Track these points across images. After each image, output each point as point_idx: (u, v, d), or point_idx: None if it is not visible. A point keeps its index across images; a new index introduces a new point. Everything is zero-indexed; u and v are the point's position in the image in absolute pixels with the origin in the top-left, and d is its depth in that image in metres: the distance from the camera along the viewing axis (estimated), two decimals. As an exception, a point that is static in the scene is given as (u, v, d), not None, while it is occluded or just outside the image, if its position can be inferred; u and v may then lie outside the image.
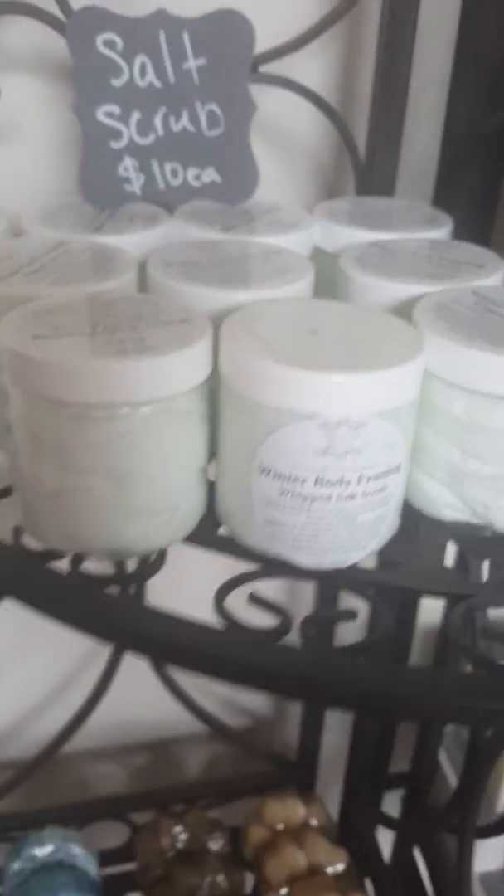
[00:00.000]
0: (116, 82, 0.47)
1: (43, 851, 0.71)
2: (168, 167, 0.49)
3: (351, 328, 0.36)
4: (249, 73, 0.48)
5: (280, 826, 0.76)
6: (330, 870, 0.73)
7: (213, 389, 0.35)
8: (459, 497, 0.37)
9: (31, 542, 0.37)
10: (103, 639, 0.31)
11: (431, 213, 0.50)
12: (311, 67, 0.51)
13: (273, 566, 0.35)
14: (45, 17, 0.46)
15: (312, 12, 0.49)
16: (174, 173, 0.49)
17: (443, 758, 0.79)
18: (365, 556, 0.36)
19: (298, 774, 0.82)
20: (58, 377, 0.31)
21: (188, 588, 0.70)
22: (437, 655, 0.77)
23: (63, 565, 0.36)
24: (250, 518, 0.35)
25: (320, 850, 0.74)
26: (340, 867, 0.73)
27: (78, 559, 0.36)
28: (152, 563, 0.36)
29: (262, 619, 0.34)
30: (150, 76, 0.47)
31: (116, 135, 0.48)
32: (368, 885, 0.77)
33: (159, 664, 0.73)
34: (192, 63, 0.47)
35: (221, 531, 0.38)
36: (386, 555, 0.36)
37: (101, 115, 0.47)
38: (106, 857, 0.75)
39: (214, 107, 0.48)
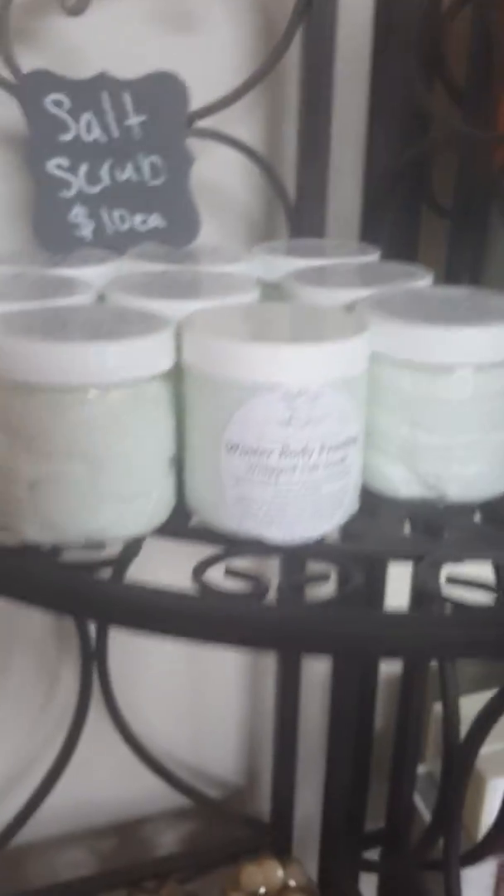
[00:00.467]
0: (65, 137, 0.51)
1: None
2: (116, 214, 0.53)
3: (300, 317, 0.39)
4: (186, 127, 0.52)
5: (260, 890, 0.74)
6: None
7: (177, 385, 0.37)
8: (413, 471, 0.39)
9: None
10: (90, 614, 0.32)
11: (360, 246, 0.54)
12: (242, 123, 0.57)
13: (245, 544, 0.37)
14: (-4, 80, 0.50)
15: (241, 73, 0.54)
16: (122, 219, 0.53)
17: (418, 800, 0.78)
18: (331, 529, 0.37)
19: (273, 838, 0.80)
20: (29, 360, 0.33)
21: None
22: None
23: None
24: (221, 499, 0.37)
25: (303, 909, 0.71)
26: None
27: (55, 552, 0.37)
28: (127, 549, 0.37)
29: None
30: (96, 132, 0.51)
31: (66, 185, 0.51)
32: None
33: (126, 730, 0.72)
34: (134, 119, 0.52)
35: (192, 523, 0.39)
36: (349, 529, 0.38)
37: (51, 167, 0.51)
38: None
39: (156, 158, 0.53)
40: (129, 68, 0.50)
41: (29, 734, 0.75)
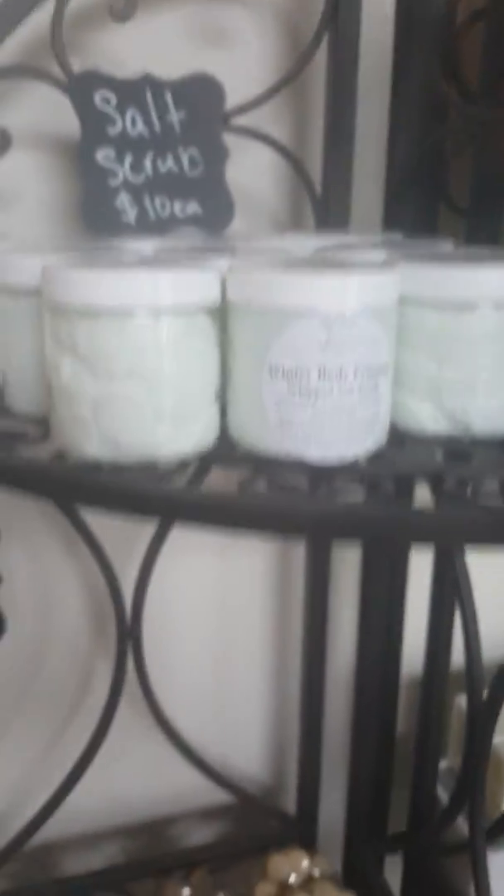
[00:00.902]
0: (112, 131, 0.56)
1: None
2: (157, 201, 0.57)
3: (335, 259, 0.43)
4: (222, 124, 0.57)
5: (287, 879, 0.75)
6: (342, 915, 0.71)
7: (222, 324, 0.41)
8: (439, 407, 0.42)
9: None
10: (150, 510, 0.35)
11: (384, 233, 0.59)
12: (273, 121, 0.62)
13: (287, 463, 0.40)
14: (51, 79, 0.55)
15: (272, 76, 0.60)
16: (163, 206, 0.57)
17: (440, 793, 0.79)
18: (364, 452, 0.41)
19: (300, 832, 0.81)
20: (95, 287, 0.37)
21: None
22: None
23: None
24: (263, 422, 0.40)
25: (330, 895, 0.72)
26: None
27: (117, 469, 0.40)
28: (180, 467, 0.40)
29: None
30: (140, 126, 0.56)
31: (113, 174, 0.56)
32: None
33: (160, 714, 0.73)
34: (174, 116, 0.57)
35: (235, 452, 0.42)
36: (380, 455, 0.41)
37: (100, 157, 0.56)
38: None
39: (194, 151, 0.57)
40: (170, 72, 0.55)
41: (64, 723, 0.77)
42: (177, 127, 0.57)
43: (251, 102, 0.58)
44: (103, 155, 0.56)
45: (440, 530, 0.34)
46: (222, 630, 0.80)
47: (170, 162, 0.57)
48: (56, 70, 0.55)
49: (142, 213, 0.57)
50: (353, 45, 0.57)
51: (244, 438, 0.41)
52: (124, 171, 0.57)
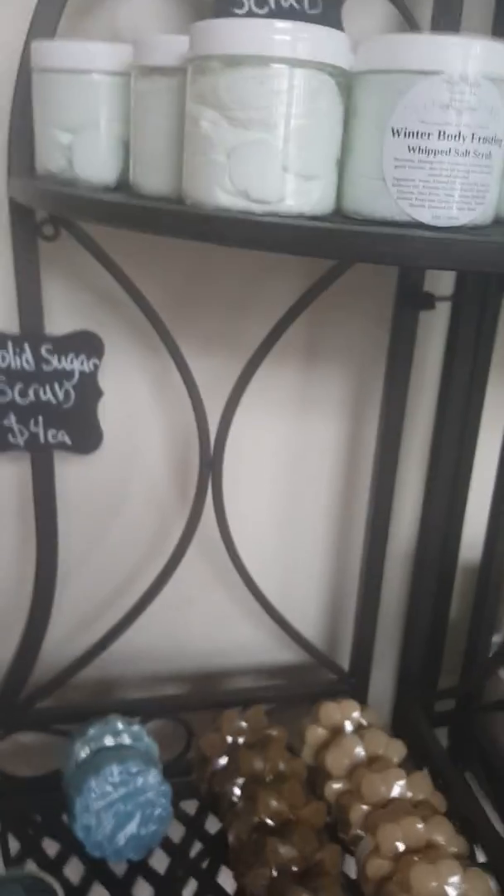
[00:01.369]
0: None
1: (108, 734, 0.72)
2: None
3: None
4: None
5: (338, 725, 0.78)
6: (391, 758, 0.74)
7: (348, 95, 0.44)
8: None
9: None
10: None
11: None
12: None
13: (401, 224, 0.43)
14: None
15: None
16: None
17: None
18: (472, 220, 0.43)
19: (352, 686, 0.84)
20: (237, 35, 0.41)
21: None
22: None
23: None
24: (380, 182, 0.43)
25: (378, 742, 0.75)
26: (400, 755, 0.74)
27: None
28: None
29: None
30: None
31: None
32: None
33: (233, 551, 0.77)
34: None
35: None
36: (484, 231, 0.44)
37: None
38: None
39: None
40: None
41: (139, 563, 0.81)
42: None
43: None
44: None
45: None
46: (292, 496, 0.84)
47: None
48: None
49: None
50: None
51: (360, 205, 0.45)
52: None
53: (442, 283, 0.73)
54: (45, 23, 0.56)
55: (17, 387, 0.63)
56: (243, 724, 0.77)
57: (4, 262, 0.64)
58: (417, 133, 0.42)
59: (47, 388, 0.64)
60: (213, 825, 0.72)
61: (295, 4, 0.61)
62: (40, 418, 0.65)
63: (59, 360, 0.63)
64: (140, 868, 0.68)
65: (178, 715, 0.80)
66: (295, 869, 0.62)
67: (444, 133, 0.41)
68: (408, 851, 0.65)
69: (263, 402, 0.78)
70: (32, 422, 0.65)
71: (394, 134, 0.42)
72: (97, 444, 0.68)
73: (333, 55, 0.42)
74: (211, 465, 0.72)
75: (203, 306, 0.72)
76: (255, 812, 0.67)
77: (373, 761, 0.74)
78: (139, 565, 0.81)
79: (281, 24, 0.41)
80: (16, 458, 0.71)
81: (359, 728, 0.79)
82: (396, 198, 0.43)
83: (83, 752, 0.71)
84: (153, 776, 0.67)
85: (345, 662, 0.87)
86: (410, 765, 0.75)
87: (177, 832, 0.72)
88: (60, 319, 0.67)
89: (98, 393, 0.66)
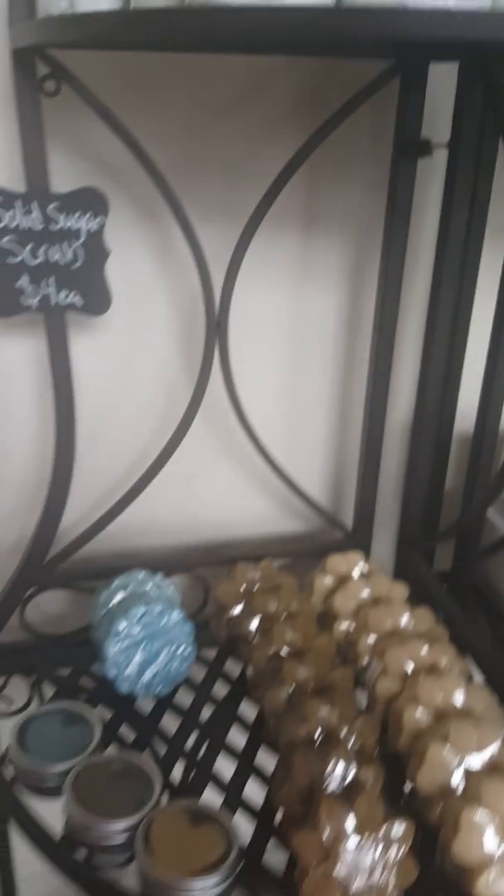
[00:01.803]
0: None
1: (133, 583, 0.77)
2: None
3: None
4: None
5: (353, 573, 0.83)
6: (394, 596, 0.79)
7: None
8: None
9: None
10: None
11: None
12: None
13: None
14: None
15: None
16: None
17: (491, 513, 0.86)
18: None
19: (356, 541, 0.89)
20: None
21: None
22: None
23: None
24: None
25: (383, 585, 0.80)
26: (403, 594, 0.79)
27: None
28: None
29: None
30: None
31: None
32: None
33: (241, 412, 0.80)
34: None
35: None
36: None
37: None
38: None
39: None
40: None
41: (152, 435, 0.84)
42: None
43: None
44: None
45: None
46: (294, 366, 0.86)
47: None
48: None
49: None
50: None
51: None
52: None
53: (438, 130, 0.73)
54: None
55: (28, 246, 0.65)
56: (256, 574, 0.81)
57: (9, 123, 0.65)
58: None
59: (56, 247, 0.66)
60: (232, 669, 0.77)
61: None
62: (52, 279, 0.67)
63: (66, 219, 0.65)
64: (167, 702, 0.73)
65: (195, 571, 0.84)
66: (310, 687, 0.68)
67: None
68: (414, 672, 0.70)
69: (264, 272, 0.79)
70: (44, 283, 0.67)
71: None
72: (107, 306, 0.70)
73: None
74: (217, 327, 0.74)
75: (203, 168, 0.73)
76: (271, 643, 0.72)
77: (378, 601, 0.79)
78: (151, 440, 0.84)
79: None
80: (31, 333, 0.73)
81: (364, 574, 0.83)
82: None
83: (110, 601, 0.76)
84: (177, 615, 0.72)
85: (348, 525, 0.91)
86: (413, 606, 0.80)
87: (200, 676, 0.77)
88: (64, 184, 0.68)
89: (105, 253, 0.68)
